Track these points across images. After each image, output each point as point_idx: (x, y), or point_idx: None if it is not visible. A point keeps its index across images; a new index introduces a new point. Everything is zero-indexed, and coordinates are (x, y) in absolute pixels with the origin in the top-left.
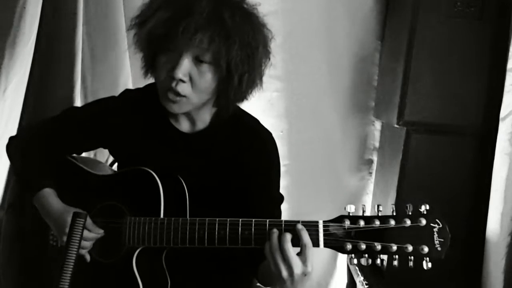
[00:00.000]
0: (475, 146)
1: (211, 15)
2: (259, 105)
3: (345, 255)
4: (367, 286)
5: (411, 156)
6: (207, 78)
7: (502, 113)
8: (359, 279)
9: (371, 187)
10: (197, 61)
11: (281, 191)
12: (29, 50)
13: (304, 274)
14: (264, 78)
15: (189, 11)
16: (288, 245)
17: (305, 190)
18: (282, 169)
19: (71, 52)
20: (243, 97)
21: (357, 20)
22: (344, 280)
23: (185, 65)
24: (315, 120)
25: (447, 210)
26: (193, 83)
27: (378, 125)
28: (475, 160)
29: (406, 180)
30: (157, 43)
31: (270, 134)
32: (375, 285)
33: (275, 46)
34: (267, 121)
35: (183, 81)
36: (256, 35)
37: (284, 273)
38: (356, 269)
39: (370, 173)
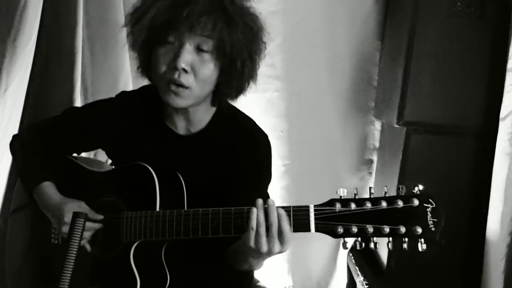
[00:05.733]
0: (475, 146)
1: (212, 2)
2: (259, 105)
3: (344, 252)
4: (367, 286)
5: (411, 156)
6: (209, 67)
7: (502, 113)
8: (359, 279)
9: None
10: (198, 50)
11: (281, 191)
12: (30, 50)
13: (280, 252)
14: (264, 78)
15: None
16: (275, 220)
17: (305, 190)
18: (282, 169)
19: (71, 53)
20: (243, 87)
21: (357, 20)
22: (344, 280)
23: (188, 54)
24: (315, 120)
25: (447, 210)
26: (196, 73)
27: (378, 125)
28: (475, 160)
29: (406, 180)
30: (157, 33)
31: (265, 135)
32: (375, 285)
33: (275, 46)
34: (267, 121)
35: (185, 71)
36: (256, 20)
37: (264, 248)
38: (356, 269)
39: (370, 173)
